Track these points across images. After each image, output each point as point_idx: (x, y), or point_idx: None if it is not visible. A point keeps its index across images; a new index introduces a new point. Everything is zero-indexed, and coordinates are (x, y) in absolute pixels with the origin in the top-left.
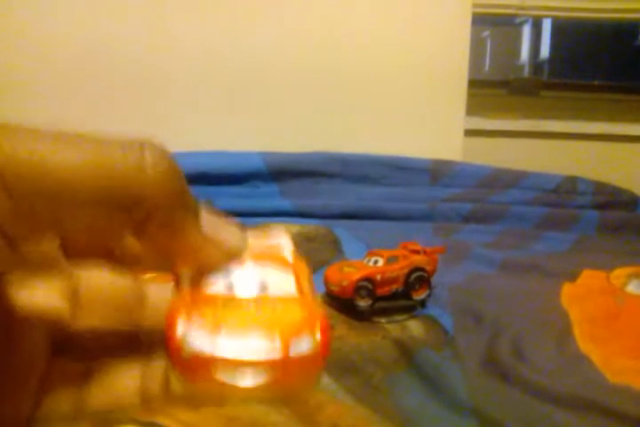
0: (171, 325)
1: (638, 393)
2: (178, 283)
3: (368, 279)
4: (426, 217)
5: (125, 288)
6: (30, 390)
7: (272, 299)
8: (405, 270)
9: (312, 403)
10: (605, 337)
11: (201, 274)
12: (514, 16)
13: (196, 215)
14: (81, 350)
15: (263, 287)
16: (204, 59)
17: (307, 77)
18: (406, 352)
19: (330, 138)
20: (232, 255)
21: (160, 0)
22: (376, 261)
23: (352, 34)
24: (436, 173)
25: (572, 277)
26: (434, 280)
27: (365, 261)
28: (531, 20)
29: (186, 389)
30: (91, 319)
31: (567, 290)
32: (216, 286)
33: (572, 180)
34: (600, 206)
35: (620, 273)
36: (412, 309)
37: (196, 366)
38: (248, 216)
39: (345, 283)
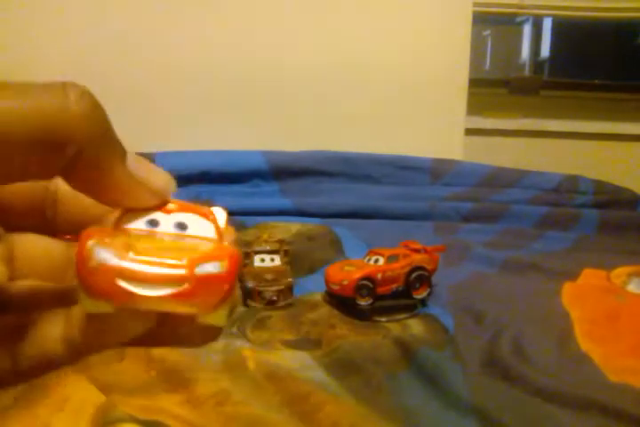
0: (81, 242)
1: (639, 392)
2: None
3: (369, 278)
4: (426, 216)
5: (58, 252)
6: None
7: (188, 236)
8: (406, 269)
9: (312, 402)
10: (606, 336)
11: (125, 214)
12: (514, 15)
13: (123, 156)
14: (14, 309)
15: (182, 227)
16: (207, 59)
17: (308, 77)
18: (407, 351)
19: (331, 137)
20: (159, 196)
21: (164, 3)
22: (377, 260)
23: (353, 33)
24: (436, 171)
25: (573, 276)
26: (434, 279)
27: (366, 260)
28: (531, 19)
29: (91, 306)
30: (26, 280)
31: (568, 289)
32: (136, 223)
33: (573, 179)
34: (600, 205)
35: (620, 272)
36: (412, 308)
37: (102, 276)
38: (249, 215)
39: (346, 282)
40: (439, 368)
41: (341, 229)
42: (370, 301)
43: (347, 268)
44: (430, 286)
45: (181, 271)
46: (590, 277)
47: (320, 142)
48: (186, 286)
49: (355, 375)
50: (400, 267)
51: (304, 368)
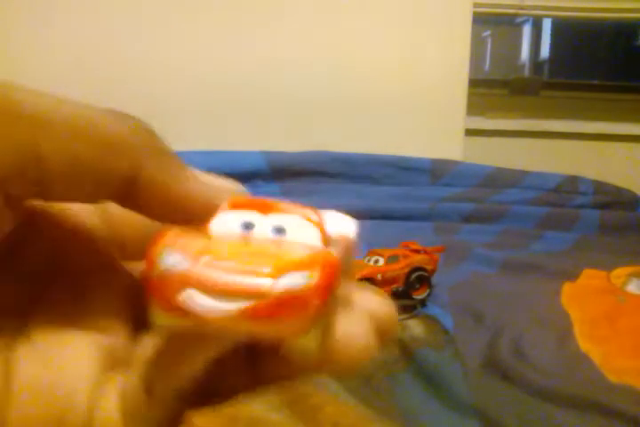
0: (152, 243)
1: (638, 393)
2: None
3: (368, 279)
4: (426, 217)
5: None
6: None
7: (283, 242)
8: (406, 270)
9: (312, 402)
10: (605, 337)
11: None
12: (514, 16)
13: (184, 165)
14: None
15: (280, 232)
16: (206, 59)
17: (308, 77)
18: (407, 352)
19: (331, 137)
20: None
21: (165, 6)
22: (376, 261)
23: (353, 33)
24: (436, 172)
25: (573, 276)
26: (434, 280)
27: (366, 260)
28: (531, 20)
29: (162, 319)
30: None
31: (567, 289)
32: (227, 225)
33: (573, 179)
34: (600, 206)
35: (620, 273)
36: (412, 308)
37: (167, 284)
38: None
39: None
40: (439, 369)
41: None
42: None
43: None
44: (430, 286)
45: (261, 281)
46: (590, 277)
47: (320, 142)
48: (265, 300)
49: (354, 376)
50: (400, 267)
51: None
